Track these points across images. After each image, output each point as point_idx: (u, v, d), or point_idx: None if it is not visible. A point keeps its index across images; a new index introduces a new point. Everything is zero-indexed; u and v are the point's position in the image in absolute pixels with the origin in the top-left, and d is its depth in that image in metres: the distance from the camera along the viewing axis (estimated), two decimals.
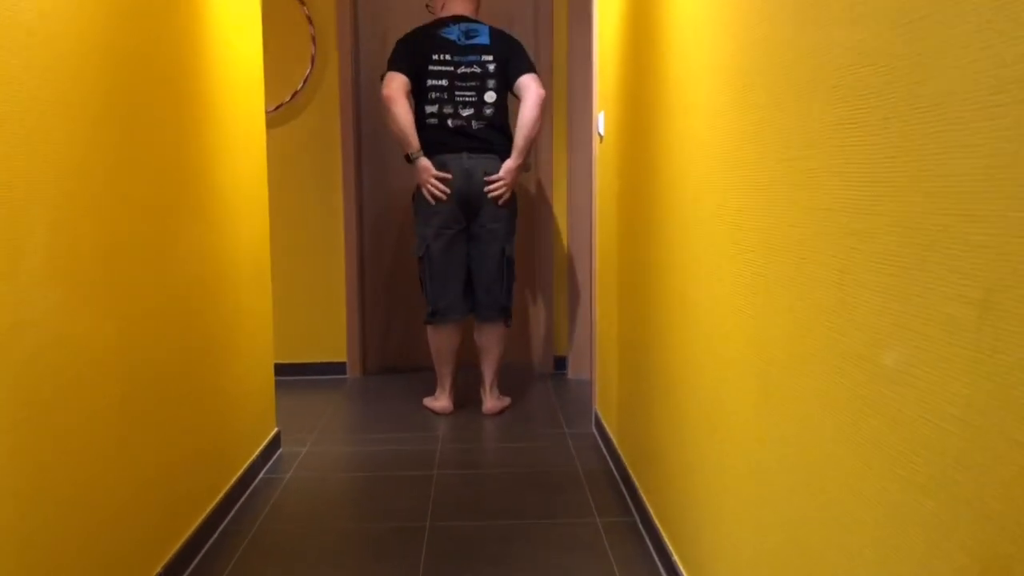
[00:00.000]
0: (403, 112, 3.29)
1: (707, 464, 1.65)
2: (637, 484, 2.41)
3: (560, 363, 4.28)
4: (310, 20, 4.01)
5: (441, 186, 3.33)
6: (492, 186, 3.37)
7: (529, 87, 3.33)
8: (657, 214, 2.10)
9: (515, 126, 3.37)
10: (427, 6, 3.65)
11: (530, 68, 3.39)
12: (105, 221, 1.66)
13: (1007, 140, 0.70)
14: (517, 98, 3.40)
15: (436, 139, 3.36)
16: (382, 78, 3.37)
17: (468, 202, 3.38)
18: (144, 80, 1.87)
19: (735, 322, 1.45)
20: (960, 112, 0.77)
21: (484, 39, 3.43)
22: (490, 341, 3.51)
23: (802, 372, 1.15)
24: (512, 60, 3.41)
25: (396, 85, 3.30)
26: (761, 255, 1.32)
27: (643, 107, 2.27)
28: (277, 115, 4.02)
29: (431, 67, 3.37)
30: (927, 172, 0.82)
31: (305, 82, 4.04)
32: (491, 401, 3.55)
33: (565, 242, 4.19)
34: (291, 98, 4.04)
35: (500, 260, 3.44)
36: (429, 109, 3.38)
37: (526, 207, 4.26)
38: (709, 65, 1.60)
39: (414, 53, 3.37)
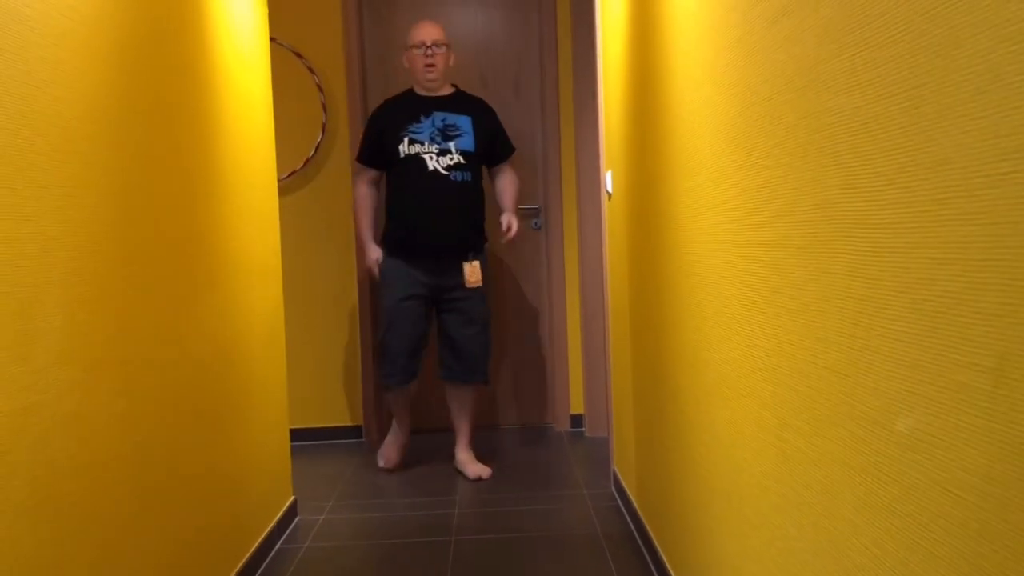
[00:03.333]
0: None
1: (727, 528, 1.62)
2: (658, 547, 2.37)
3: (576, 421, 4.25)
4: (321, 88, 4.08)
5: None
6: None
7: None
8: (667, 272, 2.10)
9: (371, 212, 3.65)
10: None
11: None
12: (117, 298, 1.68)
13: (1010, 208, 0.70)
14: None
15: None
16: (511, 157, 3.63)
17: None
18: (155, 152, 1.90)
19: (748, 384, 1.44)
20: (960, 179, 0.76)
21: None
22: None
23: (818, 437, 1.13)
24: None
25: None
26: (770, 316, 1.31)
27: (650, 166, 2.28)
28: (290, 182, 4.07)
29: None
30: (932, 239, 0.82)
31: (317, 149, 4.10)
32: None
33: (578, 300, 4.19)
34: (303, 165, 4.09)
35: None
36: None
37: (540, 264, 4.28)
38: (713, 126, 1.62)
39: None
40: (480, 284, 3.41)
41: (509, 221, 3.49)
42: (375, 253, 3.50)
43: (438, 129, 3.40)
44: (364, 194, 3.57)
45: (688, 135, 1.82)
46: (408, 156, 3.38)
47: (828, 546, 1.10)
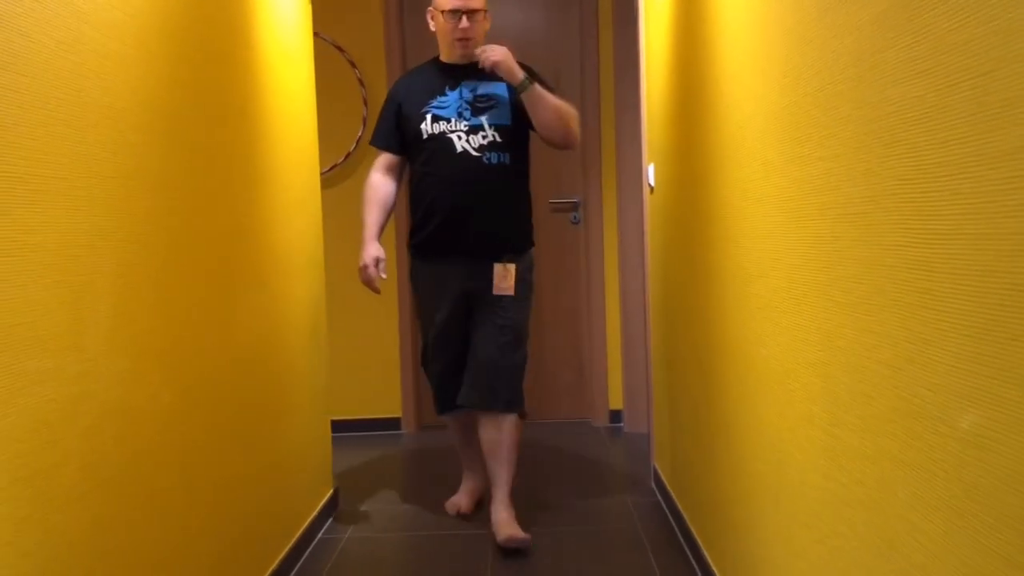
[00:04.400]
0: None
1: (773, 525, 1.60)
2: (701, 544, 2.35)
3: (615, 416, 4.23)
4: (362, 82, 4.10)
5: None
6: None
7: None
8: (712, 266, 2.07)
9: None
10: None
11: None
12: (165, 288, 1.69)
13: None
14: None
15: None
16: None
17: None
18: (201, 145, 1.92)
19: (798, 380, 1.41)
20: None
21: None
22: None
23: (872, 433, 1.11)
24: None
25: None
26: (822, 310, 1.29)
27: (694, 158, 2.26)
28: (331, 175, 4.10)
29: None
30: (998, 230, 0.80)
31: (357, 143, 4.12)
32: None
33: (617, 294, 4.17)
34: (344, 159, 4.11)
35: None
36: None
37: (578, 258, 4.26)
38: (762, 117, 1.59)
39: None
40: (510, 292, 2.74)
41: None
42: (373, 251, 2.81)
43: (467, 102, 2.77)
44: (374, 183, 2.89)
45: (735, 127, 1.80)
46: (432, 136, 2.75)
47: (883, 544, 1.08)
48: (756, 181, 1.65)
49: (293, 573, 2.48)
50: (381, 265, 2.82)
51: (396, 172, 2.92)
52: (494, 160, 2.74)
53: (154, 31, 1.66)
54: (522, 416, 2.82)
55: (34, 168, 1.24)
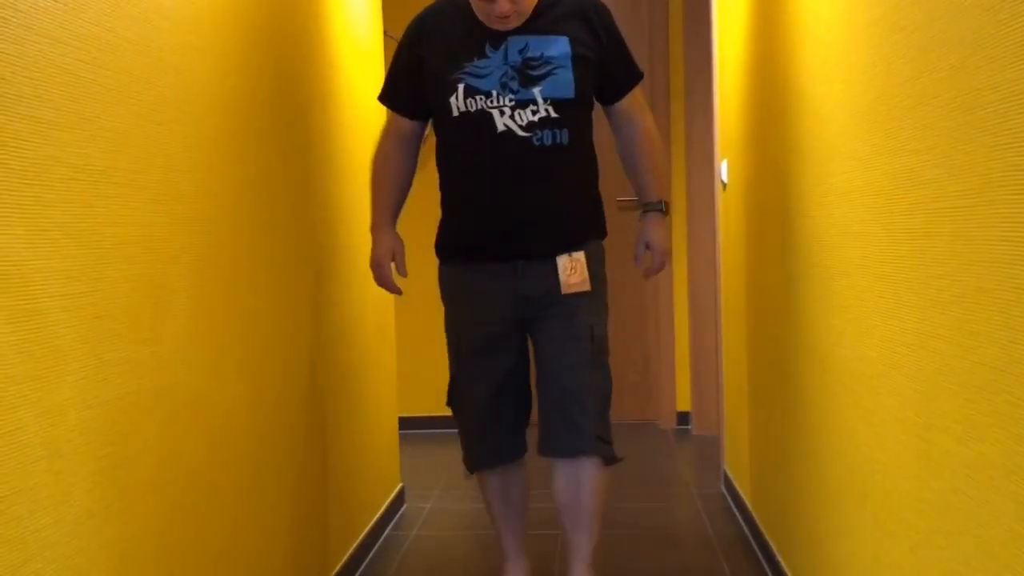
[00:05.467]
0: None
1: (858, 532, 1.54)
2: (775, 550, 2.29)
3: (683, 418, 4.17)
4: None
5: None
6: None
7: None
8: (792, 265, 2.01)
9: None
10: None
11: None
12: (239, 282, 1.71)
13: None
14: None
15: None
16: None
17: None
18: (275, 142, 1.93)
19: (888, 382, 1.36)
20: None
21: None
22: None
23: (972, 438, 1.05)
24: None
25: None
26: (917, 310, 1.23)
27: (772, 153, 2.20)
28: None
29: None
30: None
31: (423, 141, 4.11)
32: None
33: (686, 293, 4.10)
34: None
35: None
36: None
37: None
38: (847, 110, 1.53)
39: None
40: (585, 287, 2.02)
41: (646, 237, 2.14)
42: (386, 243, 2.17)
43: (513, 68, 1.98)
44: (384, 155, 2.20)
45: (818, 120, 1.74)
46: (464, 114, 2.00)
47: (984, 556, 1.02)
48: (840, 175, 1.59)
49: (361, 569, 2.49)
50: (398, 259, 2.19)
51: (412, 142, 2.20)
52: (547, 140, 2.00)
53: (230, 27, 1.68)
54: (612, 461, 2.06)
55: (115, 162, 1.25)
